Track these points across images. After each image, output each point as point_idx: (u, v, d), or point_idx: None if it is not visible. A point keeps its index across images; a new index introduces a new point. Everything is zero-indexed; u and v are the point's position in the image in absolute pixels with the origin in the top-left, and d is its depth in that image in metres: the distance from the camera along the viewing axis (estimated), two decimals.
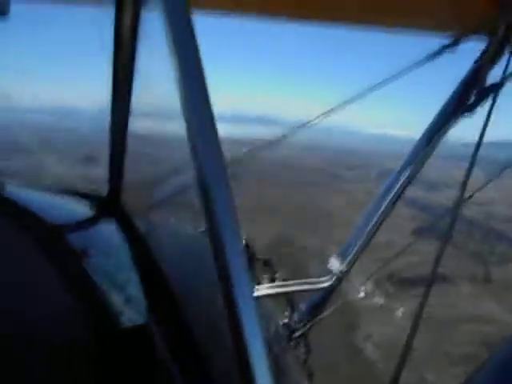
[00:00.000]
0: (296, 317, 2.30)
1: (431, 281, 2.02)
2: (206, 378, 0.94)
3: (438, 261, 1.95)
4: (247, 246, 2.08)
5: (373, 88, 2.11)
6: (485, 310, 18.53)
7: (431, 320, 13.70)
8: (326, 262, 2.33)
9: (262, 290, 2.09)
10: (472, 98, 1.98)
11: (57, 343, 0.80)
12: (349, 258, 2.29)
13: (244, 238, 2.05)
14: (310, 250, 20.36)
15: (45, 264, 0.95)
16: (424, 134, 2.19)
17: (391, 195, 2.24)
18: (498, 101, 1.89)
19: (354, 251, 2.29)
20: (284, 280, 2.18)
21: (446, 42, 1.99)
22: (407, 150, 2.30)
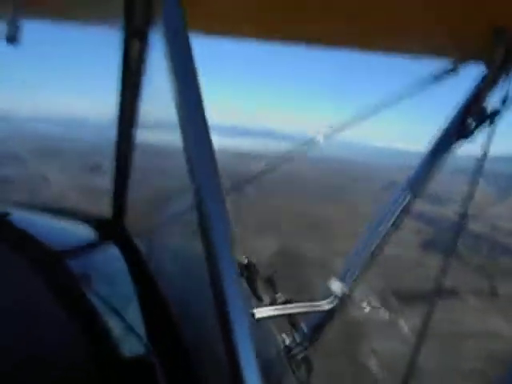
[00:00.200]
0: (298, 337, 2.25)
1: (436, 295, 1.99)
2: None
3: (443, 275, 1.93)
4: (250, 264, 2.00)
5: (377, 108, 2.14)
6: (491, 325, 18.26)
7: (437, 335, 13.50)
8: (328, 280, 2.29)
9: (263, 311, 2.03)
10: (472, 124, 1.99)
11: (56, 372, 0.79)
12: (351, 279, 2.24)
13: (246, 256, 1.99)
14: (311, 261, 20.19)
15: (45, 291, 0.94)
16: (424, 158, 2.19)
17: (395, 214, 2.20)
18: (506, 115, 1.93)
19: (357, 272, 2.24)
20: (286, 300, 2.12)
21: (448, 65, 2.03)
22: (411, 163, 2.29)
